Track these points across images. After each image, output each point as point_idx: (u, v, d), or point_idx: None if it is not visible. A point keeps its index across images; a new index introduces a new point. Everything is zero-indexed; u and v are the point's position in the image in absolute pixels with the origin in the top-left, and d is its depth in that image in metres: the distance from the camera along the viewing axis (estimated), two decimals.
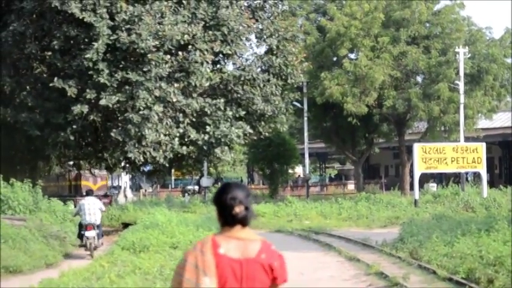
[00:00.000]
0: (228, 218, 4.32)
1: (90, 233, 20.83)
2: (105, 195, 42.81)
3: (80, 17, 24.89)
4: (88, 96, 24.86)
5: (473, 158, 33.73)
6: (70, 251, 22.10)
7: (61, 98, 25.55)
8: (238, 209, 4.30)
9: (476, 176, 41.36)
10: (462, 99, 38.51)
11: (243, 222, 4.32)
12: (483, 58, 40.13)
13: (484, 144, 34.89)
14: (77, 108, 24.95)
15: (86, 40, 25.44)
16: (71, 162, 34.32)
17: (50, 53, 25.95)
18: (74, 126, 26.17)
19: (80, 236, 21.23)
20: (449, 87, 38.69)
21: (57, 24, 26.05)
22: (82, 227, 21.03)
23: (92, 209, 21.03)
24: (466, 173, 42.10)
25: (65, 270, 15.70)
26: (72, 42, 25.99)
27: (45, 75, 26.50)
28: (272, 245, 4.41)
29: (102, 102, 24.74)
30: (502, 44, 41.44)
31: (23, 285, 14.75)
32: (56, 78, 25.04)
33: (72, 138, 26.65)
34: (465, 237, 17.52)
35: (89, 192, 22.79)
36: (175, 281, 4.29)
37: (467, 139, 39.71)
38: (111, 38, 24.85)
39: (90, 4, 25.09)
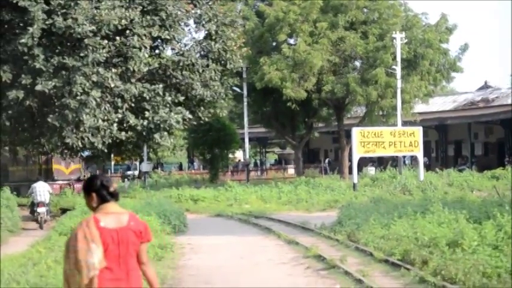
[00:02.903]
0: (106, 196, 5.66)
1: (41, 209, 25.76)
2: (78, 180, 40.60)
3: (14, 1, 24.42)
4: (23, 82, 24.45)
5: (410, 141, 34.20)
6: (6, 237, 21.82)
7: None
8: (113, 188, 5.68)
9: (414, 159, 42.03)
10: (399, 84, 38.98)
11: (117, 197, 5.72)
12: (419, 43, 40.61)
13: (420, 128, 35.41)
14: (12, 94, 24.53)
15: (21, 25, 24.99)
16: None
17: None
18: (10, 112, 25.75)
19: (32, 212, 26.29)
20: (387, 72, 39.10)
21: None
22: (34, 205, 26.01)
23: (42, 191, 26.21)
24: (404, 157, 42.73)
25: (1, 257, 15.49)
26: (6, 26, 25.51)
27: None
28: (137, 215, 5.87)
29: (38, 87, 24.37)
30: (438, 30, 41.99)
31: None
32: None
33: (8, 123, 26.25)
34: (401, 219, 17.79)
35: (39, 178, 29.64)
36: (70, 252, 5.48)
37: (404, 123, 40.26)
38: (47, 22, 24.45)
39: None
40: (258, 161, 77.52)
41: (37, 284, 12.08)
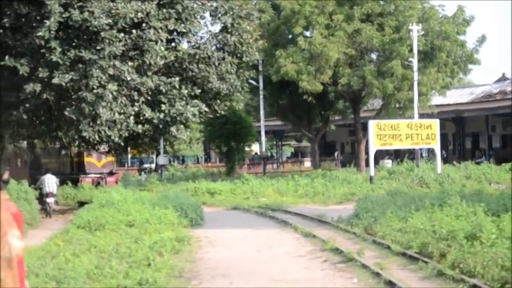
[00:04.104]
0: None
1: (50, 199, 27.69)
2: (111, 173, 40.48)
3: None
4: (40, 75, 24.49)
5: (427, 134, 34.08)
6: (24, 230, 21.90)
7: (13, 76, 25.14)
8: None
9: (431, 152, 41.85)
10: (416, 76, 38.80)
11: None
12: (436, 35, 40.37)
13: (437, 121, 35.26)
14: (29, 87, 24.59)
15: (38, 18, 25.03)
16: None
17: (1, 31, 25.48)
18: (27, 105, 25.82)
19: (41, 202, 27.04)
20: (403, 65, 38.92)
21: (8, 2, 25.55)
22: (43, 195, 27.55)
23: (50, 182, 28.04)
24: (421, 149, 42.57)
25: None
26: (23, 19, 25.54)
27: None
28: None
29: (55, 80, 24.41)
30: (455, 21, 41.72)
31: None
32: (7, 57, 24.61)
33: (25, 117, 26.33)
34: (419, 212, 17.73)
35: (48, 171, 30.45)
36: None
37: (421, 116, 40.10)
38: (63, 15, 24.48)
39: None
40: (269, 154, 77.24)
41: (56, 276, 12.14)
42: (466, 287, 11.13)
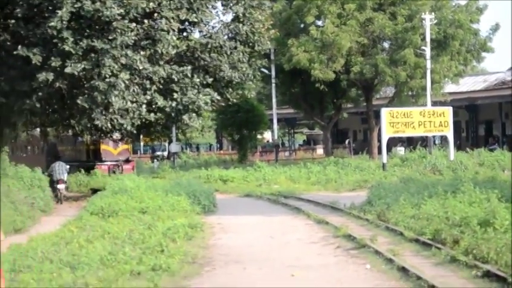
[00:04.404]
0: None
1: (61, 186, 28.64)
2: (127, 161, 40.36)
3: None
4: (53, 64, 24.51)
5: (440, 121, 34.03)
6: (38, 216, 22.10)
7: (26, 65, 25.19)
8: None
9: (444, 139, 41.74)
10: (429, 64, 38.67)
11: None
12: (449, 24, 40.18)
13: (450, 108, 35.18)
14: (42, 76, 24.63)
15: (50, 8, 25.03)
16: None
17: (13, 21, 25.52)
18: (40, 94, 25.87)
19: (52, 188, 27.42)
20: (416, 53, 38.79)
21: None
22: (54, 182, 28.33)
23: (61, 169, 29.04)
24: (433, 137, 42.47)
25: (34, 235, 15.69)
26: (35, 10, 25.55)
27: (9, 43, 26.08)
28: None
29: (68, 70, 24.43)
30: (468, 10, 41.53)
31: None
32: (20, 46, 24.64)
33: (38, 105, 26.39)
34: (432, 199, 17.73)
35: (59, 158, 32.33)
36: None
37: (434, 103, 39.99)
38: (75, 5, 24.45)
39: None
40: (281, 141, 76.93)
41: (70, 262, 12.23)
42: (480, 273, 11.14)
